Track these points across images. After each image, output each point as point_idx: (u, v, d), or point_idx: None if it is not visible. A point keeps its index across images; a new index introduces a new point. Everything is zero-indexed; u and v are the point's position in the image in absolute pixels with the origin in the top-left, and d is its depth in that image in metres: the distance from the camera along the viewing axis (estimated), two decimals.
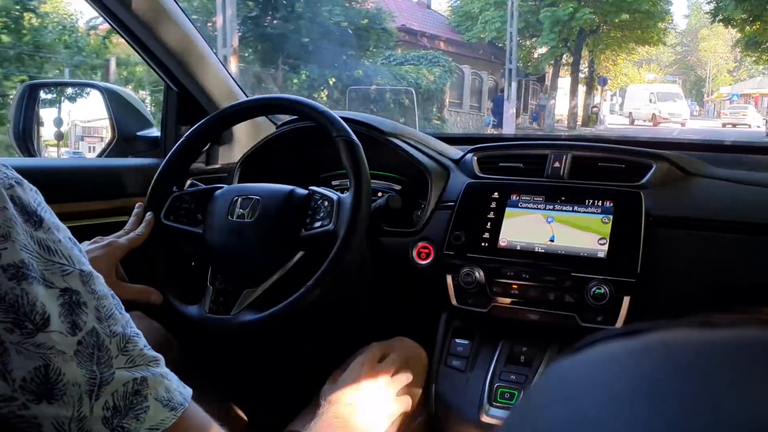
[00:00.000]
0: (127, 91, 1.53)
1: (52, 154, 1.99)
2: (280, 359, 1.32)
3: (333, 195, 1.00)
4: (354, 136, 1.01)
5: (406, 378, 0.94)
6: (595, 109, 22.50)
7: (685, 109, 24.61)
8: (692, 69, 52.43)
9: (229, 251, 1.03)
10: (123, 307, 0.50)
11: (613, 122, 25.58)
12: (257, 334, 1.07)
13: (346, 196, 0.98)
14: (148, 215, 1.08)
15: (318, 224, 0.99)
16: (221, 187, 1.11)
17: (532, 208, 1.09)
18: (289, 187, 1.05)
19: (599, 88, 24.43)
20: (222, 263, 1.04)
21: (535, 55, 21.07)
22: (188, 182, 1.23)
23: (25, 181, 0.46)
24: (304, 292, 0.93)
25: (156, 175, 1.12)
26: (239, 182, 1.20)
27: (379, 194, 1.20)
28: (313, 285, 0.93)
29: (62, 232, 0.47)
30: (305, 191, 1.05)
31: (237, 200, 1.05)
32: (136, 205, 1.10)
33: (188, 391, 0.50)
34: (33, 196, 0.46)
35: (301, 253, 1.00)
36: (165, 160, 1.13)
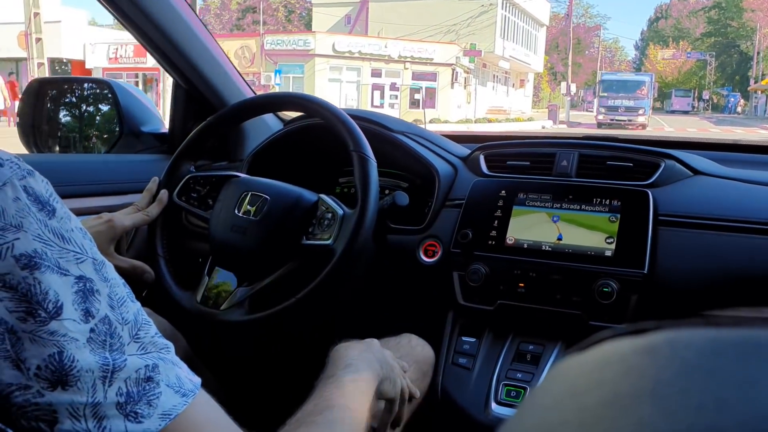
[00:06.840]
0: (136, 87, 1.53)
1: None
2: (271, 358, 1.32)
3: (339, 209, 1.00)
4: (370, 153, 1.00)
5: (411, 374, 0.94)
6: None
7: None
8: (733, 43, 33.46)
9: (229, 246, 1.03)
10: (134, 295, 0.50)
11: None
12: (241, 334, 1.07)
13: (351, 214, 0.98)
14: (163, 193, 1.08)
15: (319, 236, 0.99)
16: (237, 176, 1.12)
17: (539, 206, 1.08)
18: (298, 191, 1.04)
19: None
20: (221, 256, 1.04)
21: None
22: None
23: (36, 172, 0.47)
24: (293, 302, 0.94)
25: (175, 153, 1.14)
26: None
27: (387, 191, 1.20)
28: (302, 297, 0.93)
29: (74, 222, 0.48)
30: (314, 198, 1.04)
31: (246, 195, 1.04)
32: (152, 179, 1.11)
33: (198, 380, 0.51)
34: (45, 186, 0.47)
35: (299, 261, 1.00)
36: (185, 141, 1.15)
